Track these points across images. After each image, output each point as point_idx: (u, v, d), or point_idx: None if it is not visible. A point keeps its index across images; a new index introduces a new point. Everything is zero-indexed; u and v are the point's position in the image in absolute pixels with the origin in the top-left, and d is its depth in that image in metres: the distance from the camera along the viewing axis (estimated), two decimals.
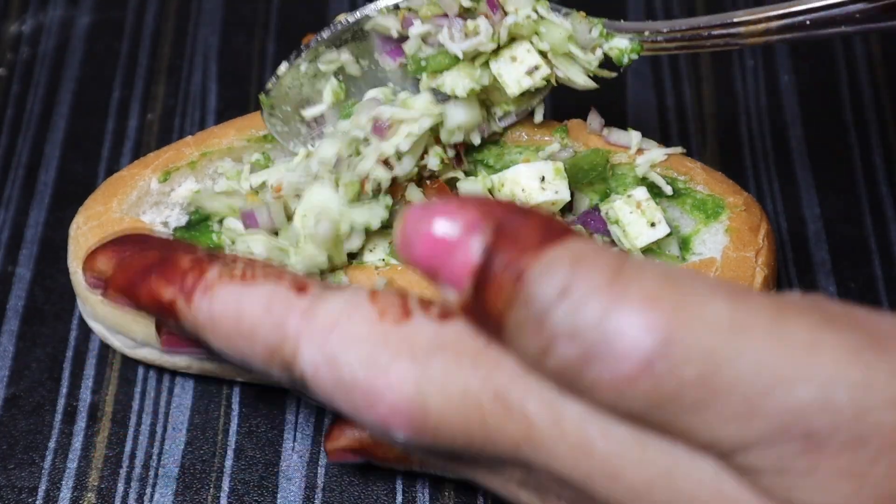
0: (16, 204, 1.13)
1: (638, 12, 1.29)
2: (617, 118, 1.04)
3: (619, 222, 0.94)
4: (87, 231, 0.96)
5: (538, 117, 0.99)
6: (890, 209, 1.14)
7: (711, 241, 0.96)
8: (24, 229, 1.12)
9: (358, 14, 0.97)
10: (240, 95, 1.22)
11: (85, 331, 1.04)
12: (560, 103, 1.18)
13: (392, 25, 0.95)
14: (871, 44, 1.26)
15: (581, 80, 0.96)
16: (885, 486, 0.51)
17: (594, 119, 1.00)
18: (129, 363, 1.02)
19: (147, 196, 0.98)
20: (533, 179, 0.93)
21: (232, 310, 0.64)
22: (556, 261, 0.54)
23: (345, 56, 0.97)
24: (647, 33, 0.95)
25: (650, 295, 0.53)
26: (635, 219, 0.94)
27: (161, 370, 1.01)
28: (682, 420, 0.53)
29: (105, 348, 1.03)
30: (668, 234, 0.95)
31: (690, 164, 1.00)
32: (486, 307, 0.56)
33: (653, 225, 0.94)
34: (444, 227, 0.57)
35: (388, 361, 0.59)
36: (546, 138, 0.99)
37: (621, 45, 0.95)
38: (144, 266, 0.70)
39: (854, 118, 1.21)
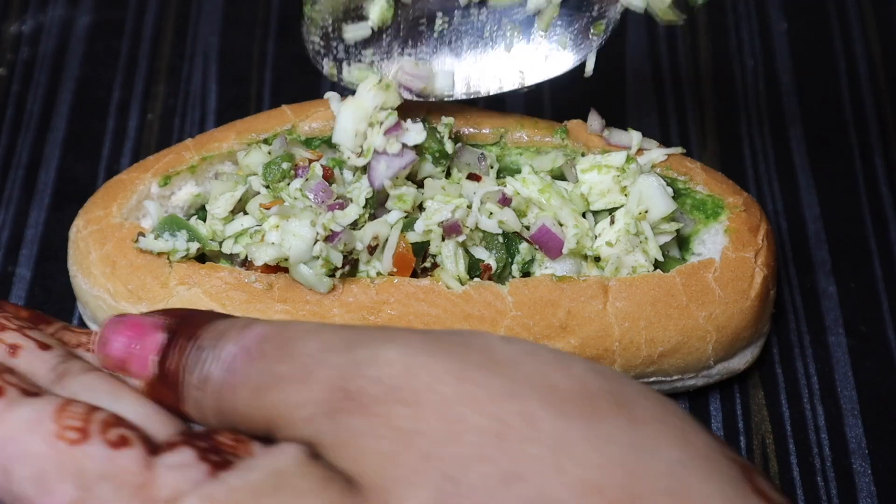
0: (16, 204, 1.13)
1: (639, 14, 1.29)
2: (617, 118, 1.04)
3: (578, 182, 0.95)
4: (87, 235, 0.96)
5: (589, 69, 0.94)
6: (890, 209, 1.14)
7: (711, 242, 0.96)
8: (24, 229, 1.12)
9: None
10: (240, 95, 1.22)
11: None
12: (560, 104, 1.18)
13: None
14: (871, 44, 1.26)
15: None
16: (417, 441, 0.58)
17: (594, 119, 1.00)
18: None
19: (147, 200, 0.98)
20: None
21: None
22: (220, 321, 0.64)
23: None
24: None
25: (263, 323, 0.63)
26: (604, 179, 0.95)
27: None
28: (272, 399, 0.61)
29: None
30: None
31: (690, 164, 0.99)
32: (167, 374, 0.65)
33: (625, 194, 0.94)
34: (135, 328, 0.66)
35: (54, 482, 0.64)
36: (546, 139, 0.99)
37: None
38: None
39: (854, 118, 1.21)
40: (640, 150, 0.99)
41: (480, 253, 0.93)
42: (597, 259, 0.93)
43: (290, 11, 1.29)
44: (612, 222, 0.93)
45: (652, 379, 0.94)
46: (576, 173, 0.96)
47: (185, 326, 0.66)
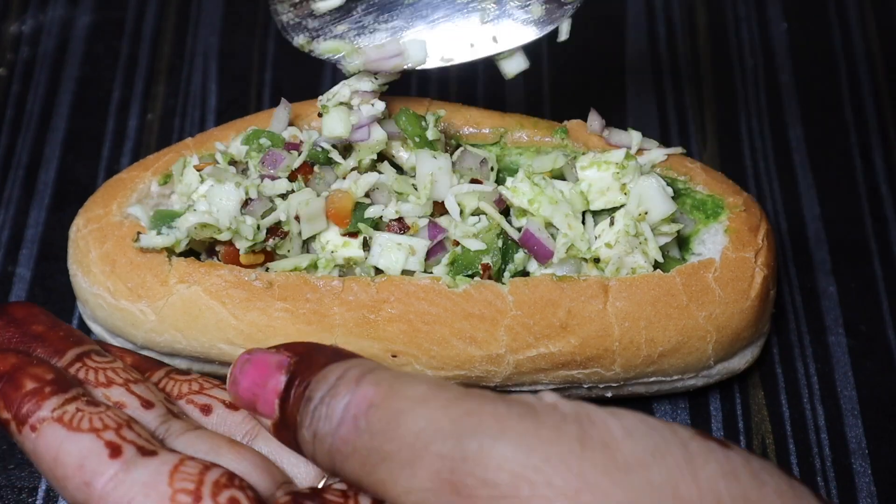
0: (16, 204, 1.13)
1: (639, 14, 1.29)
2: (617, 118, 1.04)
3: (579, 181, 0.94)
4: (87, 234, 0.96)
5: (563, 34, 0.95)
6: (890, 209, 1.14)
7: (711, 242, 0.96)
8: (24, 229, 1.12)
9: None
10: (240, 95, 1.22)
11: (85, 332, 1.04)
12: (560, 104, 1.18)
13: None
14: (871, 43, 1.26)
15: None
16: None
17: (594, 120, 1.00)
18: None
19: (147, 199, 0.98)
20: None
21: (52, 454, 0.71)
22: (332, 370, 0.68)
23: None
24: None
25: (376, 380, 0.66)
26: (604, 176, 0.94)
27: None
28: (379, 473, 0.63)
29: None
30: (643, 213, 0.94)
31: (690, 164, 0.99)
32: (287, 419, 0.68)
33: (625, 193, 0.94)
34: (261, 368, 0.70)
35: None
36: (546, 139, 0.99)
37: None
38: None
39: (854, 118, 1.21)
40: (640, 150, 0.99)
41: (475, 244, 0.93)
42: (596, 260, 0.93)
43: None
44: (612, 223, 0.93)
45: (652, 379, 0.94)
46: (576, 173, 0.96)
47: (302, 368, 0.69)
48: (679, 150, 1.00)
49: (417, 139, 0.95)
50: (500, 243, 0.93)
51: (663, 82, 1.23)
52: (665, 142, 1.16)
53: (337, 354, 0.69)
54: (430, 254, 0.93)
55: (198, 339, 0.93)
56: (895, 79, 1.24)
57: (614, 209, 0.95)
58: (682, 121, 1.20)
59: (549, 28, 0.92)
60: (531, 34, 0.94)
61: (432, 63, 0.95)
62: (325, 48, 0.95)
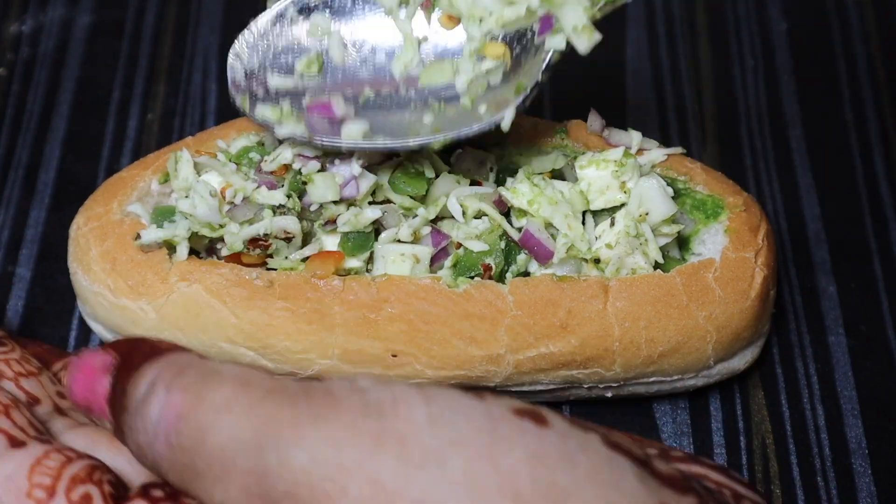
0: (16, 204, 1.13)
1: (639, 14, 1.29)
2: (617, 118, 1.04)
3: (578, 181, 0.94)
4: (87, 232, 0.96)
5: (506, 123, 0.90)
6: (890, 209, 1.14)
7: (711, 242, 0.96)
8: (24, 229, 1.12)
9: None
10: None
11: (85, 331, 1.04)
12: (560, 104, 1.18)
13: None
14: (871, 44, 1.26)
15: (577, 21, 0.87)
16: None
17: (594, 120, 1.00)
18: None
19: (147, 197, 0.98)
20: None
21: None
22: (146, 371, 0.65)
23: (335, 26, 0.92)
24: None
25: (185, 384, 0.63)
26: (602, 175, 0.94)
27: None
28: (195, 487, 0.62)
29: None
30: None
31: (690, 164, 0.99)
32: (118, 425, 0.66)
33: (625, 191, 0.94)
34: (88, 372, 0.68)
35: None
36: (547, 139, 0.99)
37: None
38: None
39: (854, 118, 1.21)
40: (640, 150, 0.99)
41: (477, 246, 0.93)
42: (596, 261, 0.93)
43: None
44: (613, 224, 0.93)
45: (652, 379, 0.94)
46: (575, 173, 0.96)
47: (122, 370, 0.67)
48: (679, 150, 1.00)
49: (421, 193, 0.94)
50: (502, 245, 0.93)
51: (663, 82, 1.23)
52: (665, 142, 1.16)
53: (152, 352, 0.67)
54: (434, 259, 0.93)
55: (198, 337, 0.93)
56: (895, 79, 1.24)
57: (615, 209, 0.95)
58: (681, 121, 1.20)
59: (494, 122, 0.89)
60: (475, 126, 0.90)
61: (365, 145, 0.90)
62: (265, 115, 0.92)
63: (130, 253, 0.94)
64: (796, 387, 1.03)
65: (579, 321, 0.91)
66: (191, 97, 1.22)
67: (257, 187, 0.93)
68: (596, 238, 0.94)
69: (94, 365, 0.68)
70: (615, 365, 0.92)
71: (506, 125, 0.88)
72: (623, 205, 0.95)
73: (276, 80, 0.93)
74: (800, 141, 1.19)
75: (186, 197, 0.93)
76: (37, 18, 1.28)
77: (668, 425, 1.00)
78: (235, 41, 0.93)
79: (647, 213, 0.93)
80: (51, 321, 1.05)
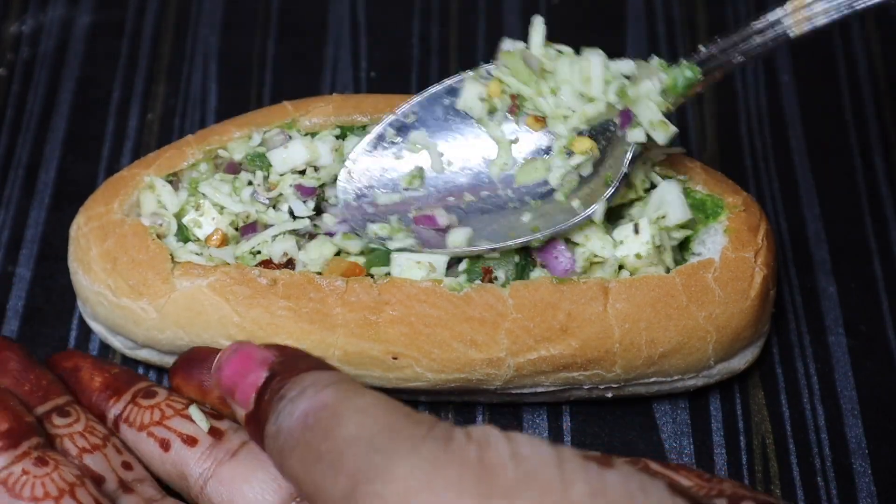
0: (16, 204, 1.13)
1: (639, 14, 1.29)
2: None
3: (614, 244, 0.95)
4: (87, 231, 0.96)
5: (599, 215, 0.93)
6: (890, 209, 1.14)
7: (710, 242, 0.96)
8: (24, 229, 1.12)
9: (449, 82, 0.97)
10: (240, 95, 1.22)
11: (85, 331, 1.04)
12: None
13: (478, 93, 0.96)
14: (871, 44, 1.26)
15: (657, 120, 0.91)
16: None
17: None
18: (130, 362, 1.02)
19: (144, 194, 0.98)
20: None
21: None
22: (308, 375, 0.70)
23: (432, 140, 0.97)
24: (701, 50, 0.92)
25: (335, 389, 0.68)
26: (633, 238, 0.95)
27: (161, 369, 1.01)
28: (312, 473, 0.65)
29: (105, 348, 1.03)
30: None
31: (690, 163, 0.99)
32: (259, 414, 0.71)
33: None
34: (247, 359, 0.73)
35: None
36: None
37: (677, 74, 0.91)
38: None
39: (854, 118, 1.21)
40: None
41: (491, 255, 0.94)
42: (620, 267, 0.94)
43: (290, 11, 1.29)
44: (637, 231, 0.94)
45: (652, 379, 0.94)
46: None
47: (284, 369, 0.71)
48: (679, 149, 1.00)
49: None
50: (516, 259, 0.93)
51: None
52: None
53: (319, 365, 0.71)
54: (448, 266, 0.94)
55: (200, 335, 0.93)
56: (895, 79, 1.24)
57: (623, 206, 0.95)
58: (682, 121, 1.20)
59: (588, 214, 0.93)
60: (570, 220, 0.93)
61: (468, 250, 0.94)
62: (372, 230, 0.95)
63: (131, 253, 0.94)
64: (796, 387, 1.03)
65: (579, 323, 0.91)
66: (191, 97, 1.22)
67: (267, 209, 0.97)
68: (619, 243, 0.94)
69: (254, 356, 0.72)
70: (616, 366, 0.92)
71: (598, 217, 0.93)
72: (632, 201, 0.95)
73: (383, 199, 0.97)
74: (800, 141, 1.19)
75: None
76: (37, 18, 1.28)
77: (668, 425, 1.00)
78: (343, 168, 0.97)
79: (664, 216, 0.94)
80: (51, 321, 1.05)
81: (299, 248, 0.95)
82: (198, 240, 0.96)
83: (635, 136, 0.92)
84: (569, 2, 1.30)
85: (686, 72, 0.91)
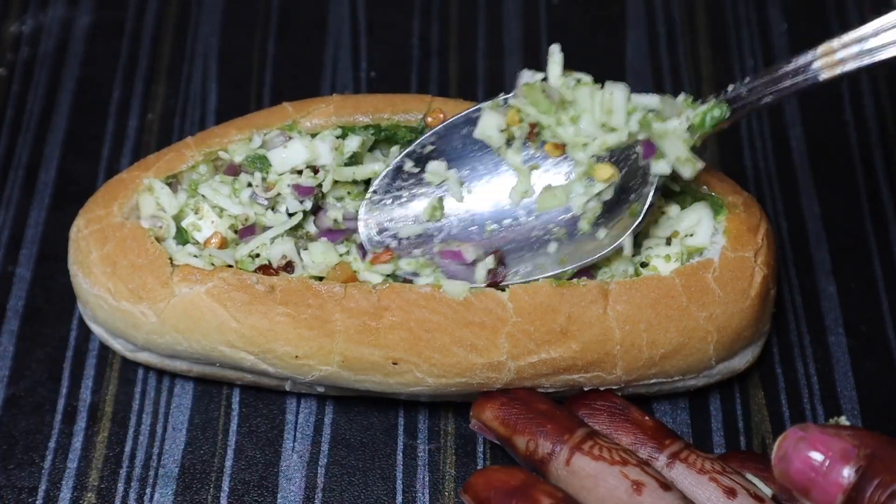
0: (16, 204, 1.13)
1: (639, 14, 1.29)
2: None
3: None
4: (87, 234, 0.96)
5: (627, 249, 0.93)
6: (890, 209, 1.14)
7: (710, 242, 0.96)
8: (24, 229, 1.12)
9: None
10: (240, 95, 1.22)
11: (85, 331, 1.04)
12: None
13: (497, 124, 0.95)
14: None
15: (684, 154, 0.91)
16: None
17: None
18: (130, 363, 1.02)
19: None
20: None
21: None
22: None
23: (451, 170, 0.97)
24: (730, 88, 0.91)
25: None
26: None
27: (161, 372, 1.01)
28: None
29: (105, 348, 1.03)
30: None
31: None
32: None
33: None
34: (819, 452, 0.66)
35: None
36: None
37: (705, 110, 0.91)
38: (507, 490, 0.78)
39: (854, 118, 1.21)
40: None
41: None
42: (643, 265, 0.95)
43: (290, 11, 1.29)
44: (669, 243, 0.95)
45: (653, 380, 0.94)
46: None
47: (880, 468, 0.64)
48: None
49: None
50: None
51: (663, 82, 1.23)
52: None
53: None
54: None
55: (199, 341, 0.93)
56: (895, 79, 1.24)
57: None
58: None
59: (615, 246, 0.93)
60: (596, 253, 0.93)
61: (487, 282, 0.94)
62: (401, 267, 0.95)
63: (131, 257, 0.94)
64: (796, 387, 1.03)
65: (580, 326, 0.91)
66: (191, 97, 1.22)
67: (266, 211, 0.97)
68: (646, 248, 0.95)
69: (832, 447, 0.66)
70: (616, 368, 0.92)
71: (627, 251, 0.93)
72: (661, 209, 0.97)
73: (405, 231, 0.96)
74: (800, 141, 1.19)
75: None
76: (37, 18, 1.28)
77: (668, 425, 1.00)
78: (363, 202, 0.97)
79: (691, 234, 0.95)
80: (51, 321, 1.05)
81: (298, 251, 0.95)
82: (197, 242, 0.96)
83: (660, 168, 0.91)
84: (569, 2, 1.30)
85: (715, 111, 0.91)
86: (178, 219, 0.97)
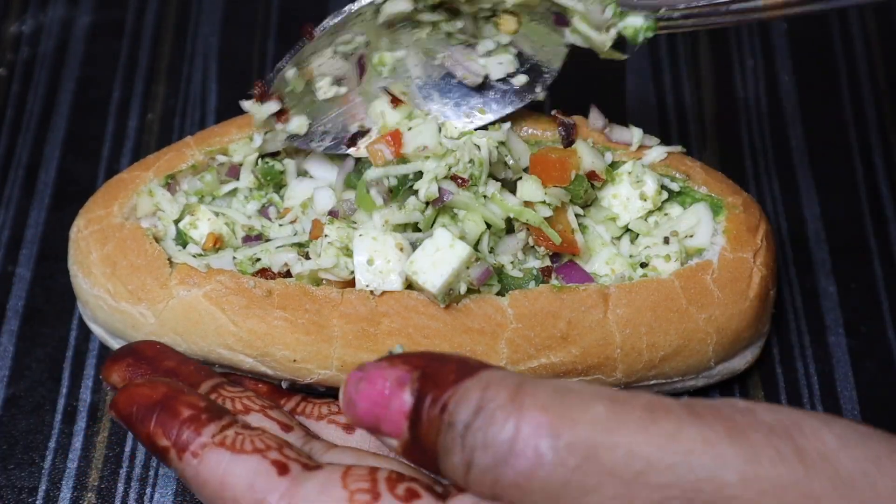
0: (16, 204, 1.14)
1: None
2: (617, 118, 1.04)
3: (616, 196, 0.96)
4: (87, 235, 0.96)
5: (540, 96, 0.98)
6: (890, 209, 1.14)
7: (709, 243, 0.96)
8: (24, 229, 1.12)
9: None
10: (240, 95, 1.22)
11: (85, 331, 1.04)
12: (562, 101, 1.18)
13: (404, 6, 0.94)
14: (871, 44, 1.26)
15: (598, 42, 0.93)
16: None
17: (596, 116, 1.00)
18: None
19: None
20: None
21: (217, 477, 0.72)
22: (470, 389, 0.65)
23: (359, 38, 0.96)
24: (662, 10, 0.91)
25: (542, 405, 0.63)
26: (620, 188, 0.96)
27: None
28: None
29: (105, 348, 1.03)
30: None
31: (690, 162, 0.99)
32: (421, 441, 0.66)
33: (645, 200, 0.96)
34: (378, 386, 0.67)
35: None
36: (547, 133, 0.99)
37: (636, 24, 0.92)
38: (148, 404, 0.77)
39: (854, 118, 1.21)
40: (640, 147, 0.99)
41: (515, 273, 0.94)
42: (643, 265, 0.95)
43: (290, 11, 1.29)
44: (667, 242, 0.95)
45: (653, 382, 0.94)
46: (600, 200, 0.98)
47: (430, 385, 0.66)
48: (679, 148, 1.00)
49: None
50: (533, 272, 0.94)
51: (663, 82, 1.23)
52: (665, 142, 1.16)
53: (464, 366, 0.66)
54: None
55: (197, 343, 0.93)
56: (895, 79, 1.24)
57: (646, 215, 0.96)
58: (681, 121, 1.20)
59: (530, 98, 0.96)
60: (515, 104, 0.97)
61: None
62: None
63: (131, 257, 0.94)
64: (796, 387, 1.03)
65: (580, 331, 0.90)
66: (191, 97, 1.22)
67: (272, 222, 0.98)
68: (644, 248, 0.95)
69: (387, 378, 0.67)
70: (617, 371, 0.92)
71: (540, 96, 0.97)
72: (649, 213, 0.96)
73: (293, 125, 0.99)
74: (800, 141, 1.19)
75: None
76: (37, 18, 1.28)
77: None
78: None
79: (691, 235, 0.95)
80: (51, 321, 1.05)
81: (299, 259, 0.95)
82: (196, 242, 0.96)
83: (569, 38, 0.93)
84: None
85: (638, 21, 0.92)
86: (176, 220, 0.97)
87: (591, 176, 0.96)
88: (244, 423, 0.76)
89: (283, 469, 0.71)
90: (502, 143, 0.95)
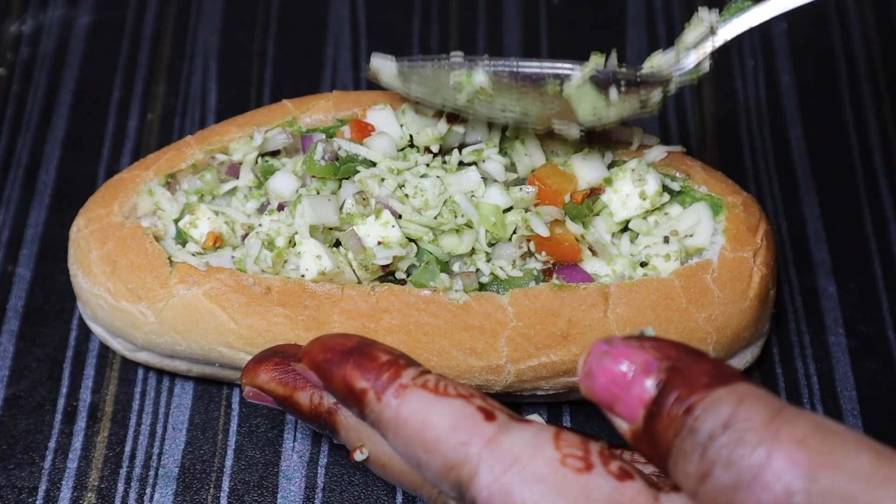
0: (16, 204, 1.13)
1: (639, 14, 1.29)
2: None
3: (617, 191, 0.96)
4: (87, 234, 0.96)
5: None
6: (890, 209, 1.14)
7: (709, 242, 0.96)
8: (24, 229, 1.12)
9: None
10: (240, 95, 1.22)
11: (85, 331, 1.04)
12: None
13: None
14: (871, 44, 1.26)
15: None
16: None
17: None
18: (130, 363, 1.02)
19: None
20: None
21: (420, 417, 0.69)
22: (722, 399, 0.62)
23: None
24: (671, 85, 0.92)
25: (800, 438, 0.60)
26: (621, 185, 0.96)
27: (160, 372, 1.01)
28: None
29: (105, 348, 1.03)
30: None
31: (690, 162, 1.00)
32: (656, 435, 0.63)
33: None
34: (623, 365, 0.64)
35: None
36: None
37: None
38: (346, 348, 0.74)
39: (854, 118, 1.21)
40: (641, 146, 0.99)
41: (515, 273, 0.94)
42: (643, 264, 0.95)
43: (290, 11, 1.29)
44: (666, 241, 0.95)
45: None
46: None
47: (678, 381, 0.63)
48: (679, 147, 1.00)
49: None
50: (534, 273, 0.94)
51: None
52: (665, 142, 1.16)
53: (720, 372, 0.63)
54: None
55: (197, 341, 0.93)
56: (895, 79, 1.24)
57: (646, 214, 0.96)
58: (681, 121, 1.20)
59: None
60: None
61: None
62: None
63: (131, 256, 0.94)
64: (796, 386, 1.03)
65: (580, 330, 0.91)
66: (191, 97, 1.22)
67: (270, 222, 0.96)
68: (644, 247, 0.95)
69: (633, 360, 0.64)
70: None
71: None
72: (648, 212, 0.96)
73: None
74: (800, 141, 1.19)
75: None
76: (37, 18, 1.28)
77: None
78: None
79: (691, 235, 0.96)
80: (51, 321, 1.05)
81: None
82: (196, 241, 0.96)
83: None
84: (569, 2, 1.30)
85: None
86: (176, 220, 0.97)
87: (591, 192, 0.96)
88: (441, 375, 0.72)
89: (489, 416, 0.68)
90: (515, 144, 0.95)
